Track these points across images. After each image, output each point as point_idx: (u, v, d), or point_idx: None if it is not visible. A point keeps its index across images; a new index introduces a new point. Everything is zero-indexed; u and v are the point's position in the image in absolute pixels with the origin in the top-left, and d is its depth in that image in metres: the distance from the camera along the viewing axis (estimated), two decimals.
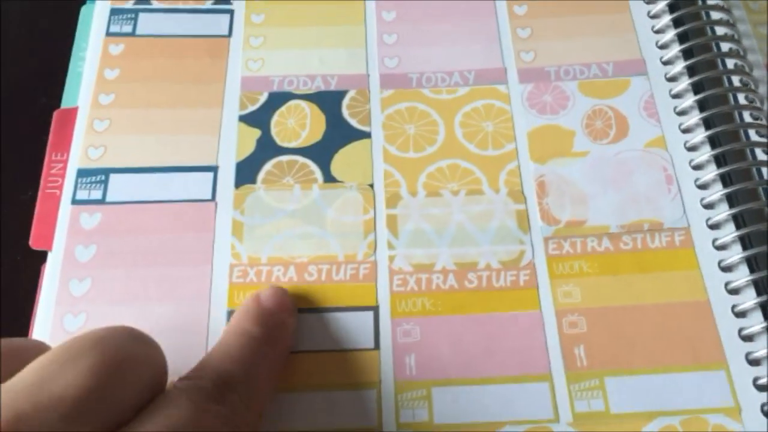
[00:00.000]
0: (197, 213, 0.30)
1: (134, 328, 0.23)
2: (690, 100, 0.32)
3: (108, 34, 0.35)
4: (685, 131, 0.32)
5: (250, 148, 0.32)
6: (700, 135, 0.31)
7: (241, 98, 0.33)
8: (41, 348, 0.23)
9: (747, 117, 0.31)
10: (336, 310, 0.28)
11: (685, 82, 0.33)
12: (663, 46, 0.34)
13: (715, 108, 0.32)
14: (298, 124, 0.32)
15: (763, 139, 0.31)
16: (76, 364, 0.20)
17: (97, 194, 0.30)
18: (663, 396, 0.27)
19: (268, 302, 0.27)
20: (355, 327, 0.28)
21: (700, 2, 0.35)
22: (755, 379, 0.27)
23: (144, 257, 0.29)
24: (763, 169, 0.30)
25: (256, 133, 0.32)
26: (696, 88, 0.33)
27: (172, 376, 0.26)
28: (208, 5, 0.36)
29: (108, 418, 0.20)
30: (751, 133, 0.31)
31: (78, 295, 0.28)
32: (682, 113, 0.33)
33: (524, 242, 0.30)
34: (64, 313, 0.28)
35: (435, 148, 0.32)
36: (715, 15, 0.34)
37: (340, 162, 0.32)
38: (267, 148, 0.32)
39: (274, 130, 0.32)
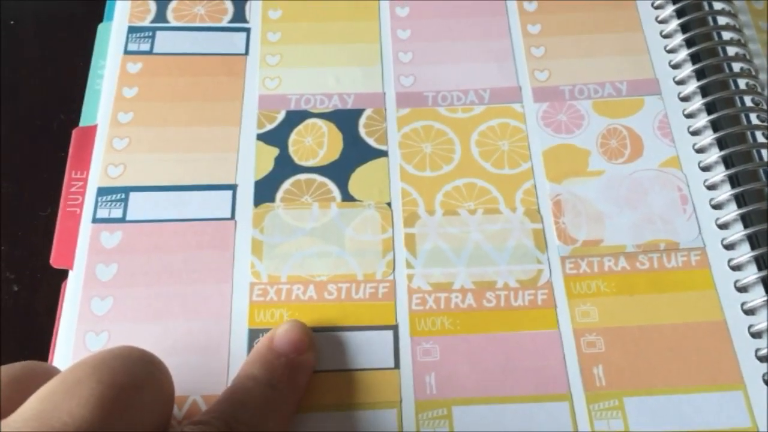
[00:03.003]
0: (217, 232, 0.30)
1: (137, 349, 0.23)
2: (703, 120, 0.33)
3: (126, 52, 0.35)
4: (699, 151, 0.32)
5: (268, 166, 0.32)
6: (714, 155, 0.32)
7: (258, 117, 0.33)
8: (49, 372, 0.22)
9: (760, 137, 0.32)
10: (355, 329, 0.28)
11: (698, 102, 0.33)
12: (676, 66, 0.35)
13: (727, 128, 0.32)
14: (315, 143, 0.33)
15: None
16: (75, 394, 0.20)
17: (117, 213, 0.31)
18: (681, 416, 0.27)
19: (281, 342, 0.27)
20: (375, 346, 0.28)
21: (711, 23, 0.35)
22: None
23: (165, 276, 0.29)
24: None
25: (275, 151, 0.32)
26: (709, 108, 0.33)
27: (194, 396, 0.27)
28: (225, 23, 0.36)
29: None
30: (764, 153, 0.31)
31: (100, 314, 0.28)
32: (695, 133, 0.33)
33: (541, 261, 0.30)
34: (86, 331, 0.28)
35: (452, 167, 0.32)
36: (727, 35, 0.34)
37: (357, 181, 0.32)
38: (285, 167, 0.32)
39: (292, 149, 0.33)
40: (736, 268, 0.30)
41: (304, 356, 0.27)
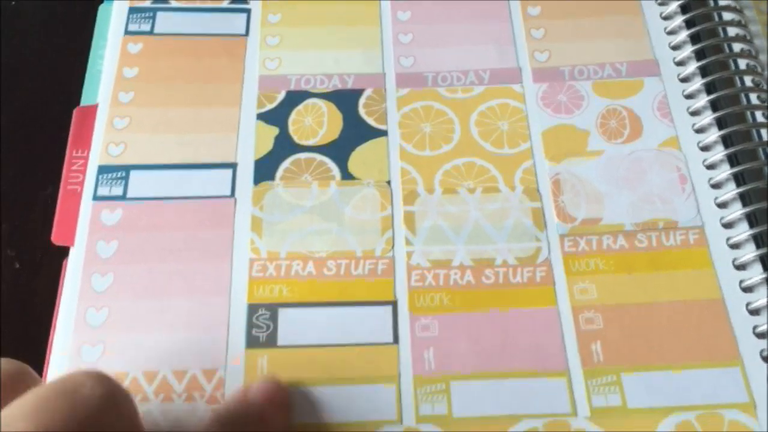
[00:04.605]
0: (217, 210, 0.30)
1: (91, 380, 0.20)
2: (703, 100, 0.33)
3: (126, 32, 0.35)
4: (699, 131, 0.32)
5: (268, 146, 0.32)
6: (713, 135, 0.32)
7: (258, 97, 0.33)
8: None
9: (759, 117, 0.32)
10: (355, 304, 0.29)
11: (697, 83, 0.33)
12: (675, 47, 0.35)
13: (727, 108, 0.32)
14: (315, 123, 0.33)
15: None
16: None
17: (118, 191, 0.31)
18: (679, 392, 0.27)
19: (256, 393, 0.26)
20: (374, 322, 0.28)
21: (712, 3, 0.35)
22: None
23: (165, 253, 0.29)
24: None
25: (274, 131, 0.33)
26: (709, 88, 0.33)
27: (193, 370, 0.27)
28: (225, 5, 0.36)
29: None
30: (764, 132, 0.31)
31: (100, 290, 0.29)
32: (695, 113, 0.33)
33: (540, 240, 0.30)
34: (86, 307, 0.28)
35: (451, 146, 0.32)
36: (727, 16, 0.34)
37: (357, 160, 0.32)
38: (285, 146, 0.32)
39: (291, 129, 0.33)
40: (735, 246, 0.30)
41: (277, 415, 0.26)
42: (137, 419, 0.22)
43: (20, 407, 0.19)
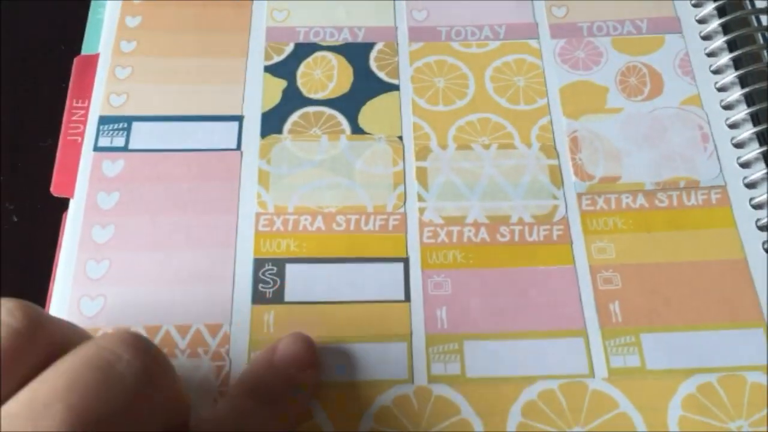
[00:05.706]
0: (222, 162, 0.29)
1: (129, 350, 0.19)
2: (725, 58, 0.32)
3: None
4: (721, 90, 0.31)
5: (276, 98, 0.31)
6: (736, 93, 0.31)
7: (266, 49, 0.32)
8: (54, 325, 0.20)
9: None
10: (365, 260, 0.28)
11: (719, 41, 0.32)
12: (697, 5, 0.34)
13: (749, 66, 0.31)
14: (325, 76, 0.32)
15: None
16: (39, 424, 0.17)
17: (119, 141, 0.30)
18: (700, 353, 0.26)
19: (282, 357, 0.24)
20: (385, 278, 0.27)
21: None
22: None
23: (168, 205, 0.28)
24: None
25: (282, 83, 0.31)
26: (731, 46, 0.32)
27: (197, 324, 0.26)
28: None
29: None
30: None
31: (101, 242, 0.28)
32: (717, 72, 0.32)
33: (557, 197, 0.29)
34: (86, 259, 0.27)
35: (465, 101, 0.31)
36: None
37: (368, 114, 0.31)
38: (293, 99, 0.31)
39: (300, 81, 0.31)
40: (758, 206, 0.29)
41: (306, 373, 0.24)
42: (176, 391, 0.20)
43: (52, 383, 0.17)
